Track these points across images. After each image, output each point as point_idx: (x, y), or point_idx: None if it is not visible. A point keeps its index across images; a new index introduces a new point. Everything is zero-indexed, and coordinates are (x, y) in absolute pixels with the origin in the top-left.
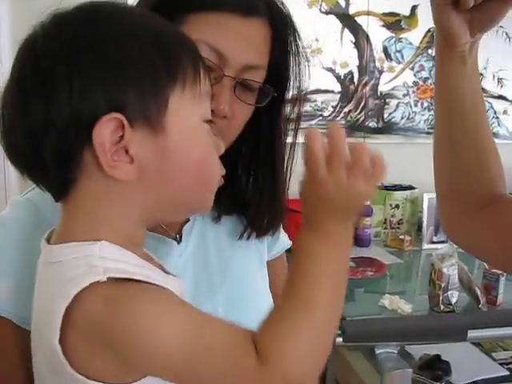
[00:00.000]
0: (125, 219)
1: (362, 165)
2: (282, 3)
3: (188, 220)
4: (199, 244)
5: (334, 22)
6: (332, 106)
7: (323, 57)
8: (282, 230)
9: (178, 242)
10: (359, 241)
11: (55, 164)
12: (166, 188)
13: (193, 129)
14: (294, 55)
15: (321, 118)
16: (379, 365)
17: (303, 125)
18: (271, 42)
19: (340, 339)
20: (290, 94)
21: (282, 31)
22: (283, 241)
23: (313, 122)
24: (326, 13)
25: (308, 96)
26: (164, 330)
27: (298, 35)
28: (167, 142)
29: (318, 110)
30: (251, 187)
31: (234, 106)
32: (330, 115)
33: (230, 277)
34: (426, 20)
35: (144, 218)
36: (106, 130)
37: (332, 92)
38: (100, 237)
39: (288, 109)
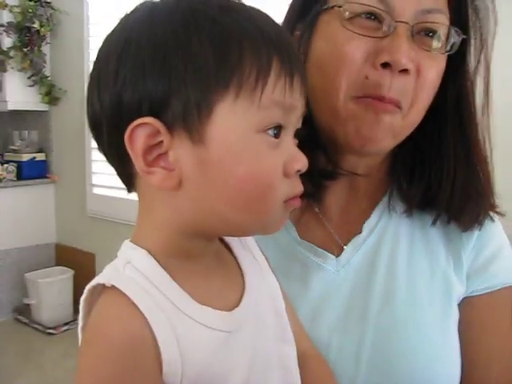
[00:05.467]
0: (168, 227)
1: None
2: None
3: (359, 232)
4: (368, 259)
5: None
6: None
7: None
8: (508, 257)
9: (337, 256)
10: None
11: (112, 156)
12: (207, 201)
13: (241, 142)
14: None
15: None
16: None
17: None
18: None
19: None
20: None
21: None
22: (501, 273)
23: None
24: None
25: None
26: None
27: None
28: (208, 153)
29: None
30: (444, 170)
31: (419, 59)
32: None
33: (393, 302)
34: None
35: (189, 229)
36: (139, 133)
37: None
38: (145, 242)
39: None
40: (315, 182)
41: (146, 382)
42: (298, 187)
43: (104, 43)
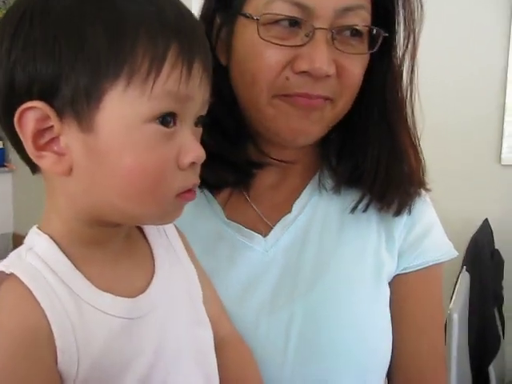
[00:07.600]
0: (67, 213)
1: None
2: None
3: (289, 212)
4: (298, 239)
5: None
6: None
7: None
8: (438, 235)
9: (265, 236)
10: None
11: (10, 137)
12: (98, 190)
13: (130, 132)
14: None
15: None
16: None
17: None
18: None
19: None
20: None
21: None
22: (432, 250)
23: None
24: None
25: None
26: None
27: None
28: (97, 142)
29: None
30: (369, 153)
31: (340, 59)
32: None
33: (322, 280)
34: None
35: (86, 216)
36: (29, 117)
37: None
38: (49, 228)
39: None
40: (244, 171)
41: (40, 373)
42: (193, 180)
43: (2, 18)
